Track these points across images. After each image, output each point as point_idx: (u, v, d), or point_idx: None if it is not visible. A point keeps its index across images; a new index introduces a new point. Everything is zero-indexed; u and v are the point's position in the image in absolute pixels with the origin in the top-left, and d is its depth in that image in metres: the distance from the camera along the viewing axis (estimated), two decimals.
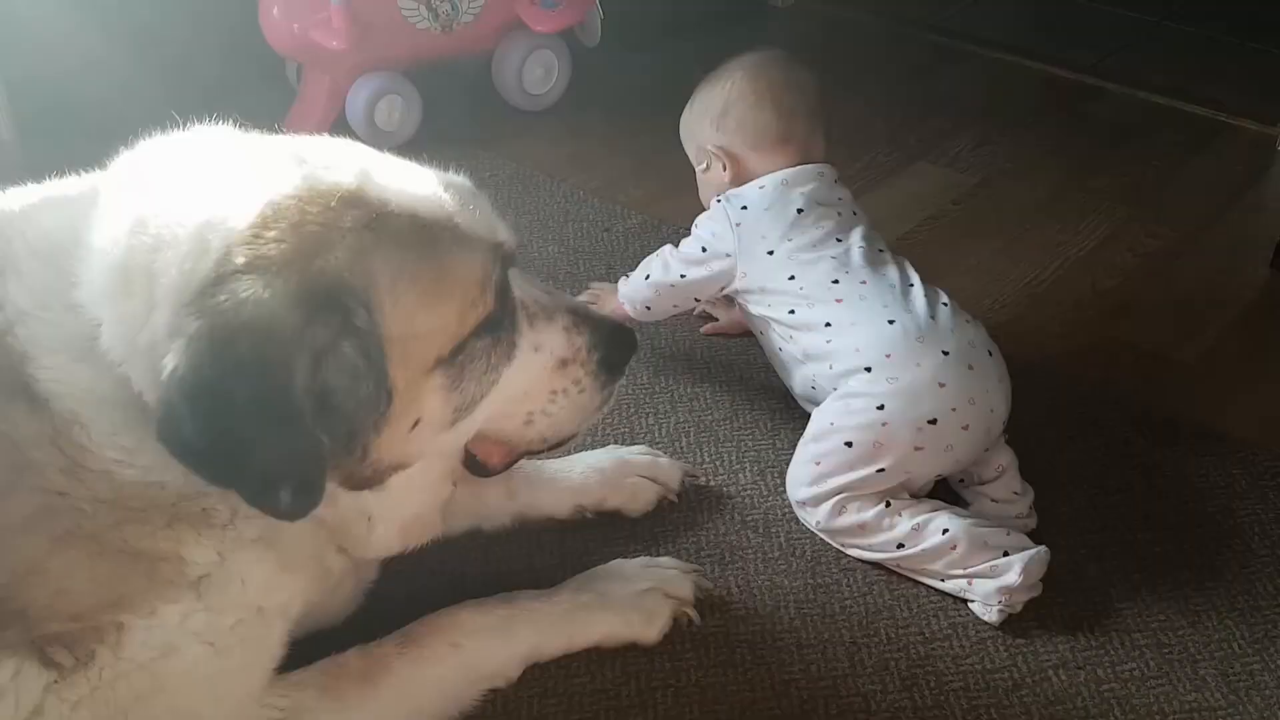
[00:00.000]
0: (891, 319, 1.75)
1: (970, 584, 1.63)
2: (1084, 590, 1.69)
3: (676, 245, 2.00)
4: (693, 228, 1.99)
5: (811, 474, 1.73)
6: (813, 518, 1.74)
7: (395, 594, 1.55)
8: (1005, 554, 1.63)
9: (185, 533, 1.19)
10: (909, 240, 2.52)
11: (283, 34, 2.65)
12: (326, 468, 1.14)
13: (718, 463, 1.89)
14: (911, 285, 1.83)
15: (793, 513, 1.79)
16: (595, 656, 1.55)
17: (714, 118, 2.01)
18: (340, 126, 2.74)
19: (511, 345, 1.31)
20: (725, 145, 2.00)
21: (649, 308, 2.03)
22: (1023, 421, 1.98)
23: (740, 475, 1.87)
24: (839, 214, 1.92)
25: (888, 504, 1.68)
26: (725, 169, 2.00)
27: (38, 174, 1.32)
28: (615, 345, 1.41)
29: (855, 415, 1.71)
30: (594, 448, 1.85)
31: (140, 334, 1.13)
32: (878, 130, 2.95)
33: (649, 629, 1.56)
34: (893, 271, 1.84)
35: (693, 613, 1.60)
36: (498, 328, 1.28)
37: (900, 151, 2.86)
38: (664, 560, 1.66)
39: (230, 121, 1.32)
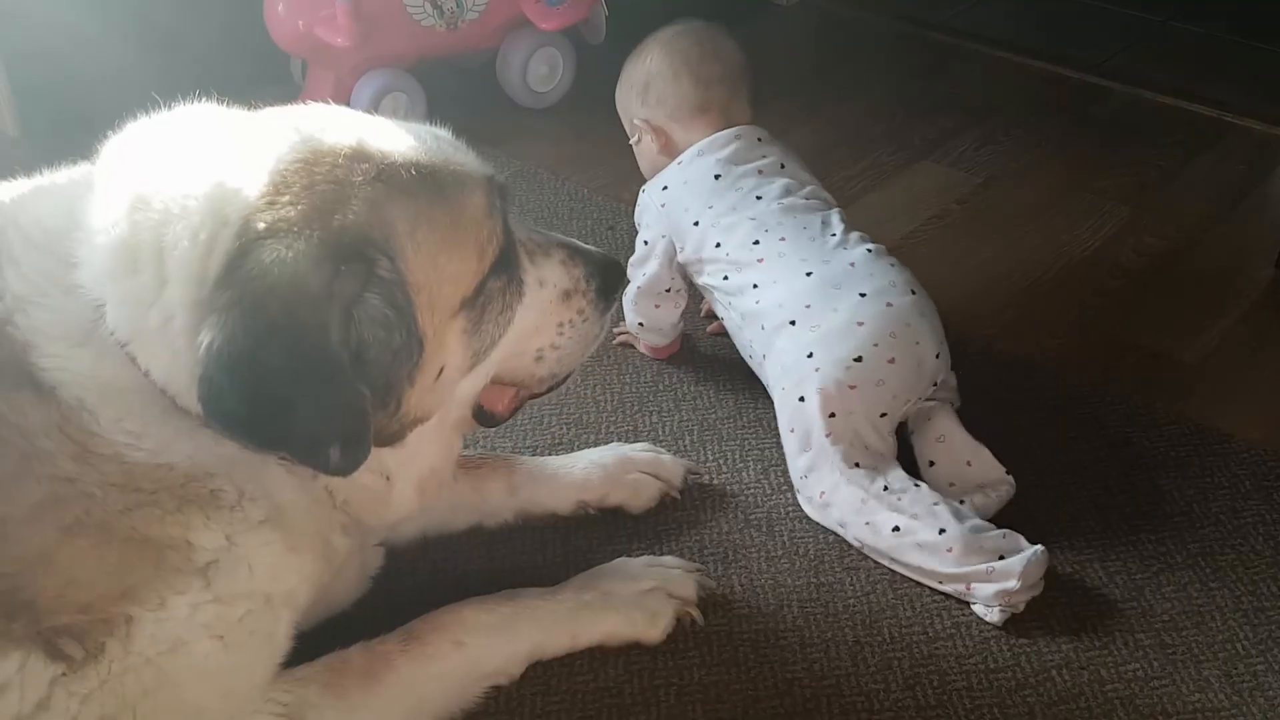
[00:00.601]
0: (809, 271, 1.83)
1: (969, 588, 1.63)
2: (1087, 590, 1.69)
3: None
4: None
5: (793, 452, 1.78)
6: (817, 512, 1.75)
7: (398, 591, 1.56)
8: (1001, 557, 1.62)
9: (194, 516, 1.19)
10: (913, 239, 2.52)
11: (288, 31, 2.65)
12: (370, 420, 1.17)
13: (721, 461, 1.89)
14: (834, 234, 1.89)
15: (796, 510, 1.79)
16: (598, 654, 1.55)
17: (638, 92, 2.09)
18: None
19: (520, 283, 1.36)
20: (650, 118, 2.08)
21: (642, 323, 2.06)
22: (1025, 421, 1.99)
23: (744, 474, 1.87)
24: (759, 171, 1.97)
25: (886, 487, 1.70)
26: (654, 140, 2.08)
27: (42, 169, 1.32)
28: (608, 273, 1.47)
29: (793, 371, 1.79)
30: (598, 445, 1.86)
31: (150, 311, 1.14)
32: (881, 129, 2.95)
33: (652, 628, 1.56)
34: (815, 221, 1.90)
35: (696, 612, 1.60)
36: (509, 266, 1.33)
37: (904, 151, 2.86)
38: (667, 559, 1.66)
39: (217, 99, 1.33)
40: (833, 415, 1.74)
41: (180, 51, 2.76)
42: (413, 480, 1.38)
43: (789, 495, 1.82)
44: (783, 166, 2.00)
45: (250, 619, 1.23)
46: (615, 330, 2.12)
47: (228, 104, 1.33)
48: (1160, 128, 3.01)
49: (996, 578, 1.60)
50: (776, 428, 1.93)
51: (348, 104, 2.70)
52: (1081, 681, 1.56)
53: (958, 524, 1.65)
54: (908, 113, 3.03)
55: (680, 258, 1.99)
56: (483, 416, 1.47)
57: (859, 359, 1.75)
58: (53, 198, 1.25)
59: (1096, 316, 2.30)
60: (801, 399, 1.77)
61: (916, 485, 1.72)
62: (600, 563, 1.65)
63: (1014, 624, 1.62)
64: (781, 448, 1.87)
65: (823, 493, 1.74)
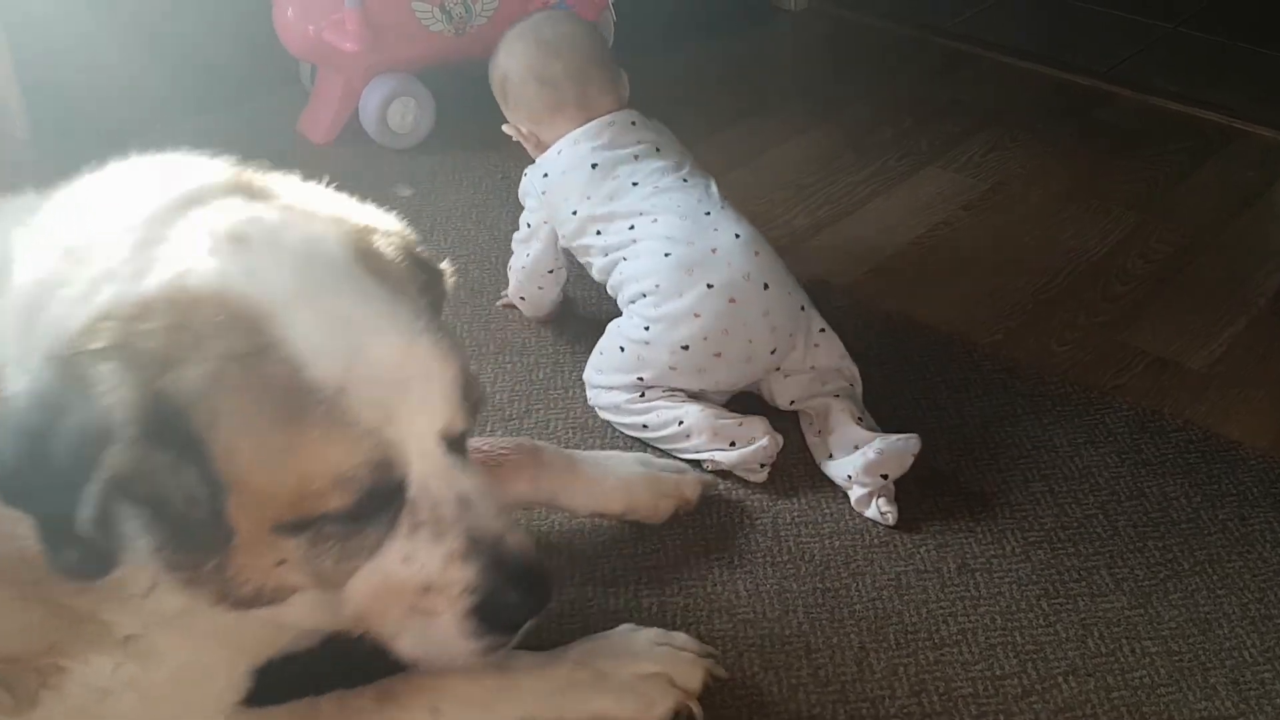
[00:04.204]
0: (669, 252, 1.88)
1: (709, 464, 1.84)
2: (1094, 597, 1.68)
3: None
4: None
5: (597, 363, 1.96)
6: (591, 398, 1.97)
7: None
8: (733, 444, 1.82)
9: (102, 599, 1.12)
10: (920, 245, 2.52)
11: (297, 36, 2.66)
12: (118, 549, 1.06)
13: None
14: (707, 213, 1.92)
15: (802, 516, 1.80)
16: None
17: (499, 98, 2.15)
18: (353, 128, 2.75)
19: (377, 544, 1.13)
20: (517, 121, 2.13)
21: (523, 298, 2.16)
22: (1032, 427, 1.98)
23: (748, 479, 1.87)
24: (635, 157, 2.00)
25: (642, 394, 1.89)
26: (527, 141, 2.13)
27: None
28: (504, 597, 1.17)
29: (629, 331, 1.90)
30: (603, 448, 1.86)
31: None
32: (888, 135, 2.95)
33: (645, 716, 1.44)
34: (689, 201, 1.93)
35: (696, 707, 1.46)
36: (358, 521, 1.11)
37: (911, 156, 2.86)
38: (678, 637, 1.53)
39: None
40: (640, 379, 1.89)
41: (189, 56, 2.77)
42: (310, 624, 1.27)
43: (795, 500, 1.82)
44: (658, 150, 2.03)
45: (180, 680, 1.18)
46: (502, 294, 2.23)
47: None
48: (1168, 133, 3.01)
49: (742, 442, 1.82)
50: (780, 431, 1.94)
51: (356, 109, 2.73)
52: (1088, 689, 1.55)
53: (700, 414, 1.84)
54: (915, 118, 3.03)
55: (562, 243, 2.06)
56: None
57: (685, 347, 1.85)
58: None
59: (1104, 323, 2.30)
60: (622, 349, 1.91)
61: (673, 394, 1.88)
62: (604, 568, 1.65)
63: (1020, 631, 1.62)
64: (786, 453, 1.87)
65: (597, 396, 1.94)
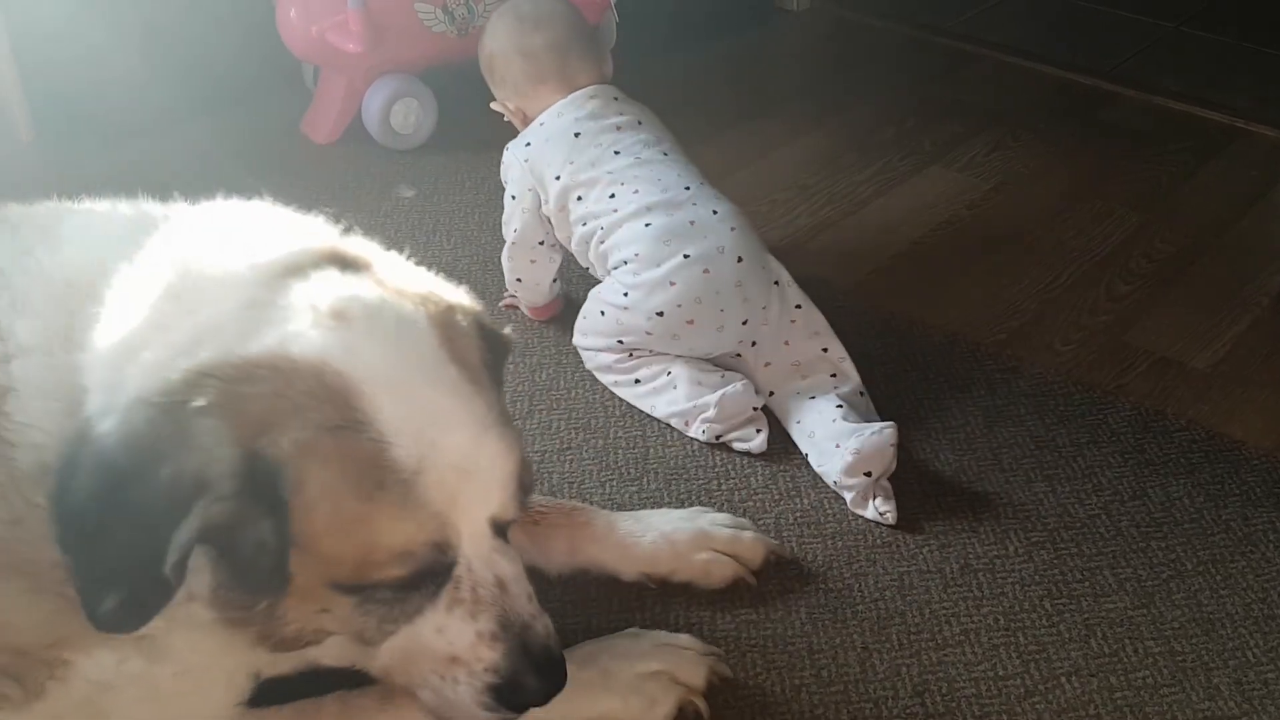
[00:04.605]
0: (648, 222, 1.95)
1: (688, 424, 1.92)
2: (1097, 597, 1.68)
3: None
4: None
5: (581, 327, 2.04)
6: (585, 360, 2.05)
7: None
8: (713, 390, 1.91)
9: None
10: (923, 244, 2.52)
11: (300, 37, 2.66)
12: (165, 598, 1.09)
13: (728, 466, 1.89)
14: (687, 188, 1.99)
15: (804, 517, 1.80)
16: None
17: (487, 76, 2.21)
18: (356, 129, 2.76)
19: (416, 612, 1.20)
20: (504, 98, 2.21)
21: (520, 279, 2.17)
22: (1036, 427, 1.98)
23: (751, 479, 1.87)
24: (617, 128, 2.06)
25: (630, 354, 1.98)
26: (514, 117, 2.20)
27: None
28: (522, 681, 1.22)
29: (609, 296, 1.98)
30: (605, 449, 1.85)
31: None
32: (891, 134, 2.95)
33: (648, 715, 1.45)
34: (670, 175, 2.00)
35: (701, 703, 1.47)
36: (406, 590, 1.17)
37: (914, 156, 2.86)
38: (682, 638, 1.54)
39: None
40: (620, 342, 1.98)
41: (193, 57, 2.78)
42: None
43: (797, 501, 1.82)
44: (640, 124, 2.09)
45: (186, 678, 1.20)
46: (504, 294, 2.24)
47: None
48: (1171, 133, 3.01)
49: (706, 406, 1.90)
50: (783, 431, 1.94)
51: (359, 110, 2.73)
52: (1091, 689, 1.55)
53: (684, 369, 1.93)
54: (918, 118, 3.03)
55: (544, 210, 2.08)
56: None
57: (660, 314, 1.92)
58: (88, 244, 1.22)
59: (1107, 322, 2.30)
60: (603, 313, 1.99)
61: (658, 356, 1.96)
62: (604, 576, 1.64)
63: (1023, 631, 1.62)
64: (790, 454, 1.88)
65: (592, 352, 2.03)
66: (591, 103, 2.09)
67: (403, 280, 1.24)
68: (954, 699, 1.53)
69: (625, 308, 1.95)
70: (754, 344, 1.99)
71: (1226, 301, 2.36)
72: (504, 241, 2.16)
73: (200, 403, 1.05)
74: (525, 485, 1.24)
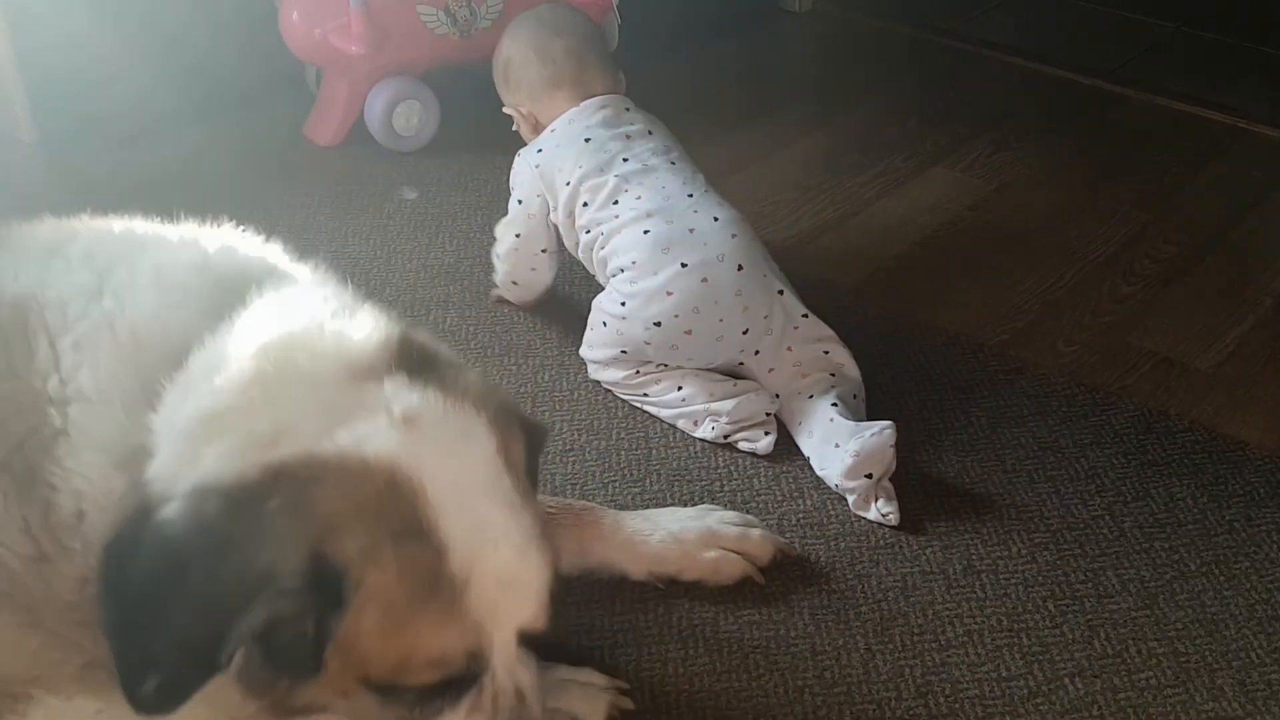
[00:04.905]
0: (648, 229, 1.94)
1: (696, 424, 1.93)
2: (1100, 598, 1.68)
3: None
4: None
5: (588, 339, 2.04)
6: (591, 373, 2.05)
7: None
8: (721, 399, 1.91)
9: None
10: (925, 246, 2.52)
11: (302, 39, 2.67)
12: (202, 681, 1.08)
13: (731, 468, 1.89)
14: (690, 195, 1.99)
15: (807, 518, 1.80)
16: (608, 659, 1.55)
17: (501, 80, 2.24)
18: (359, 131, 2.76)
19: (437, 714, 1.20)
20: (516, 104, 2.21)
21: (515, 282, 2.19)
22: (1039, 428, 1.98)
23: (754, 480, 1.87)
24: (627, 135, 2.07)
25: (637, 371, 1.97)
26: (526, 123, 2.21)
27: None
28: None
29: (608, 306, 1.98)
30: (608, 451, 1.85)
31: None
32: (893, 136, 2.94)
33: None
34: (674, 182, 2.00)
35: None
36: (433, 694, 1.18)
37: (917, 157, 2.86)
38: (583, 673, 1.53)
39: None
40: (624, 352, 1.97)
41: (195, 59, 2.78)
42: None
43: (800, 502, 1.82)
44: (650, 133, 2.10)
45: None
46: (493, 290, 2.25)
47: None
48: (1174, 134, 3.00)
49: (720, 410, 1.91)
50: (786, 434, 1.94)
51: (361, 112, 2.73)
52: (1094, 690, 1.55)
53: (695, 380, 1.94)
54: (920, 119, 3.03)
55: (552, 217, 2.08)
56: None
57: (658, 324, 1.91)
58: (169, 303, 1.21)
59: (1110, 323, 2.30)
60: (605, 324, 1.99)
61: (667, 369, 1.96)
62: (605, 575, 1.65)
63: (1026, 632, 1.62)
64: (792, 455, 1.88)
65: (597, 370, 2.03)
66: (603, 111, 2.10)
67: (466, 383, 1.24)
68: (957, 700, 1.53)
69: (623, 317, 1.95)
70: (757, 353, 1.97)
71: (1229, 302, 2.36)
72: (494, 239, 2.18)
73: (275, 502, 1.06)
74: (554, 597, 1.24)
